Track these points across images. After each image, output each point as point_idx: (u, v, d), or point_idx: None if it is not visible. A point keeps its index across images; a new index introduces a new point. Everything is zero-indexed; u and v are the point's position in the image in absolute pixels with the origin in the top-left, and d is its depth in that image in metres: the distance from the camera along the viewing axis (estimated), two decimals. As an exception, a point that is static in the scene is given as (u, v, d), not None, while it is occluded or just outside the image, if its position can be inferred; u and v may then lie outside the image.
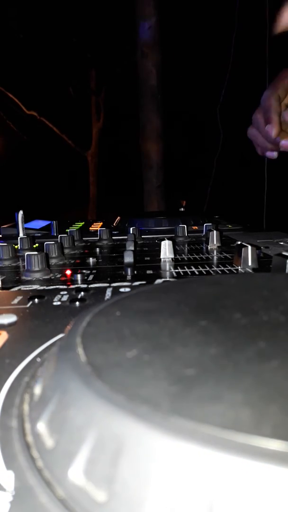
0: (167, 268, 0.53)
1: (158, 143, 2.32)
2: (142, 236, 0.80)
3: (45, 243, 0.60)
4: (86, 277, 0.48)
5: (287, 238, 0.75)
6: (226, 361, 0.17)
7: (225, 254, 0.60)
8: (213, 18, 2.66)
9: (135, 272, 0.50)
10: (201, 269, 0.51)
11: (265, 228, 0.96)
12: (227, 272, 0.49)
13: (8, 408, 0.19)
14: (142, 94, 2.29)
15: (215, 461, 0.11)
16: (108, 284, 0.43)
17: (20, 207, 0.82)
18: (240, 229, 0.92)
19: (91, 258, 0.59)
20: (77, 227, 0.94)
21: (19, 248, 0.68)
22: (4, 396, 0.20)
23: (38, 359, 0.24)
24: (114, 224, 1.07)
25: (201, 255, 0.61)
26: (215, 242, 0.67)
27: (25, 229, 0.81)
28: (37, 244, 0.77)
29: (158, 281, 0.45)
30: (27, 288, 0.43)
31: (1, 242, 0.63)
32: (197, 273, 0.49)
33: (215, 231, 0.68)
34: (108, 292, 0.40)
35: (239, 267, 0.50)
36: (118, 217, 1.11)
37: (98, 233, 0.77)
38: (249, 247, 0.50)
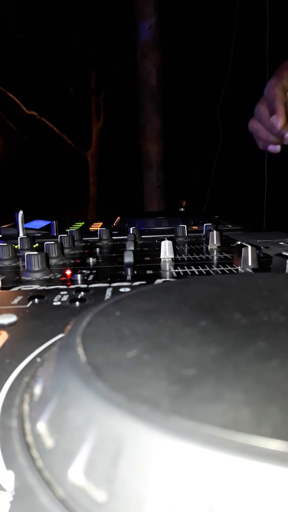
0: (167, 268, 0.53)
1: (158, 143, 2.32)
2: (142, 236, 0.80)
3: (45, 243, 0.60)
4: (86, 277, 0.48)
5: (287, 238, 0.75)
6: (226, 361, 0.17)
7: (225, 254, 0.60)
8: (213, 18, 2.66)
9: (135, 272, 0.50)
10: (201, 269, 0.51)
11: (265, 228, 0.96)
12: (227, 272, 0.49)
13: (8, 408, 0.19)
14: (142, 94, 2.29)
15: (215, 461, 0.11)
16: (108, 284, 0.43)
17: (20, 207, 0.82)
18: (240, 229, 0.92)
19: (91, 258, 0.59)
20: (77, 227, 0.94)
21: (19, 248, 0.68)
22: (4, 396, 0.20)
23: (38, 359, 0.24)
24: (114, 224, 1.07)
25: (201, 255, 0.61)
26: (215, 242, 0.67)
27: (25, 229, 0.81)
28: (37, 244, 0.77)
29: (158, 281, 0.45)
30: (27, 288, 0.43)
31: (1, 242, 0.63)
32: (197, 273, 0.49)
33: (215, 231, 0.68)
34: (108, 292, 0.40)
35: (239, 267, 0.50)
36: (118, 217, 1.11)
37: (98, 233, 0.77)
38: (249, 247, 0.50)
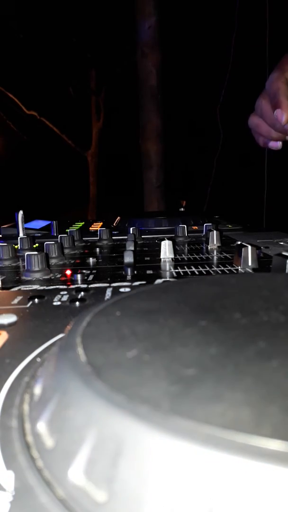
0: (167, 268, 0.53)
1: (158, 143, 2.32)
2: (142, 236, 0.80)
3: (45, 243, 0.60)
4: (86, 277, 0.48)
5: (287, 238, 0.75)
6: (226, 361, 0.17)
7: (225, 254, 0.60)
8: (213, 18, 2.66)
9: (135, 272, 0.50)
10: (201, 269, 0.51)
11: (265, 228, 0.96)
12: (227, 272, 0.49)
13: (8, 408, 0.19)
14: (142, 94, 2.29)
15: (215, 461, 0.11)
16: (108, 284, 0.43)
17: (20, 207, 0.82)
18: (240, 229, 0.92)
19: (91, 258, 0.59)
20: (77, 227, 0.94)
21: (19, 248, 0.68)
22: (4, 396, 0.20)
23: (38, 359, 0.24)
24: (114, 224, 1.07)
25: (201, 255, 0.61)
26: (215, 242, 0.67)
27: (25, 229, 0.81)
28: (37, 244, 0.77)
29: (158, 281, 0.45)
30: (27, 288, 0.43)
31: (1, 242, 0.63)
32: (197, 273, 0.49)
33: (215, 231, 0.68)
34: (108, 292, 0.40)
35: (239, 267, 0.50)
36: (118, 217, 1.11)
37: (98, 233, 0.77)
38: (249, 247, 0.50)
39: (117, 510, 0.12)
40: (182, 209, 1.31)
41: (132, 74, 2.37)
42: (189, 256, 0.61)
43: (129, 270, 0.50)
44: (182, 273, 0.49)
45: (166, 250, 0.58)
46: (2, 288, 0.43)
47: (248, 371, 0.16)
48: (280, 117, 0.62)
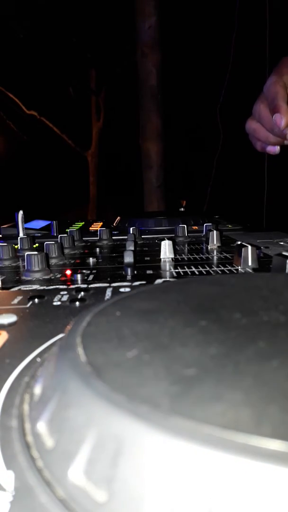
0: (167, 268, 0.53)
1: (158, 143, 2.32)
2: (142, 236, 0.80)
3: (45, 243, 0.60)
4: (86, 277, 0.48)
5: (287, 238, 0.75)
6: (226, 361, 0.17)
7: (225, 254, 0.60)
8: (213, 18, 2.66)
9: (135, 272, 0.50)
10: (201, 269, 0.51)
11: (265, 228, 0.96)
12: (227, 272, 0.49)
13: (8, 408, 0.19)
14: (142, 94, 2.29)
15: (215, 461, 0.11)
16: (108, 284, 0.43)
17: (20, 207, 0.82)
18: (240, 229, 0.92)
19: (91, 258, 0.59)
20: (77, 227, 0.94)
21: (19, 248, 0.68)
22: (4, 396, 0.20)
23: (38, 359, 0.24)
24: (114, 224, 1.07)
25: (201, 255, 0.61)
26: (215, 242, 0.67)
27: (25, 229, 0.81)
28: (37, 244, 0.77)
29: (158, 281, 0.45)
30: (27, 288, 0.43)
31: (1, 242, 0.63)
32: (197, 273, 0.49)
33: (215, 231, 0.68)
34: (108, 292, 0.40)
35: (239, 267, 0.50)
36: (118, 217, 1.11)
37: (98, 233, 0.77)
38: (249, 247, 0.50)
39: (117, 510, 0.12)
40: (182, 209, 1.31)
41: (132, 74, 2.36)
42: (189, 256, 0.61)
43: (129, 270, 0.50)
44: (182, 273, 0.49)
45: (166, 250, 0.58)
46: (2, 288, 0.43)
47: (248, 371, 0.16)
48: (279, 122, 0.61)
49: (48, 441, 0.15)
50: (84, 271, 0.51)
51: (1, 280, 0.47)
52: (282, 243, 0.69)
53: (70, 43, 3.81)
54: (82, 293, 0.40)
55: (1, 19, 3.22)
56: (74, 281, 0.46)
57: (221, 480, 0.11)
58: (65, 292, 0.40)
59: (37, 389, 0.19)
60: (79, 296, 0.38)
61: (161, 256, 0.58)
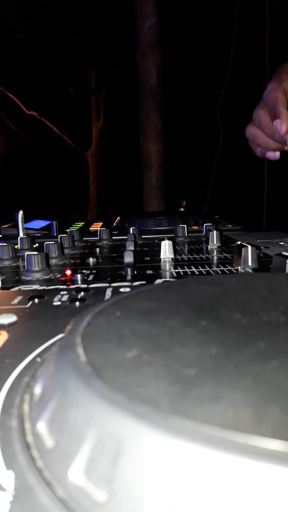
0: (167, 268, 0.53)
1: (158, 143, 2.32)
2: (142, 236, 0.80)
3: (45, 243, 0.60)
4: (86, 277, 0.48)
5: (287, 238, 0.75)
6: (226, 361, 0.17)
7: (225, 254, 0.60)
8: (213, 18, 2.66)
9: (135, 272, 0.50)
10: (201, 269, 0.51)
11: (265, 228, 0.96)
12: (227, 272, 0.49)
13: (8, 408, 0.19)
14: (142, 94, 2.29)
15: (215, 461, 0.11)
16: (108, 284, 0.43)
17: (20, 207, 0.82)
18: (240, 229, 0.92)
19: (91, 258, 0.59)
20: (77, 227, 0.94)
21: (19, 248, 0.68)
22: (4, 396, 0.20)
23: (38, 359, 0.24)
24: (114, 224, 1.07)
25: (201, 255, 0.61)
26: (215, 242, 0.67)
27: (25, 229, 0.81)
28: (37, 244, 0.77)
29: (158, 281, 0.45)
30: (27, 288, 0.43)
31: (1, 242, 0.63)
32: (197, 273, 0.49)
33: (215, 231, 0.68)
34: (108, 292, 0.40)
35: (239, 267, 0.50)
36: (118, 217, 1.11)
37: (98, 233, 0.77)
38: (249, 247, 0.50)
39: (117, 510, 0.12)
40: (182, 209, 1.31)
41: (132, 74, 2.36)
42: (189, 256, 0.61)
43: (129, 270, 0.50)
44: (182, 273, 0.49)
45: (166, 250, 0.58)
46: (2, 288, 0.43)
47: (248, 371, 0.16)
48: (279, 128, 0.61)
49: (48, 441, 0.15)
50: (84, 271, 0.51)
51: (1, 280, 0.47)
52: (282, 243, 0.69)
53: (70, 43, 3.81)
54: (82, 293, 0.40)
55: (1, 19, 3.22)
56: (74, 281, 0.46)
57: (221, 480, 0.11)
58: (65, 292, 0.40)
59: (37, 389, 0.19)
60: (79, 296, 0.38)
61: (161, 256, 0.58)
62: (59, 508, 0.13)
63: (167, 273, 0.49)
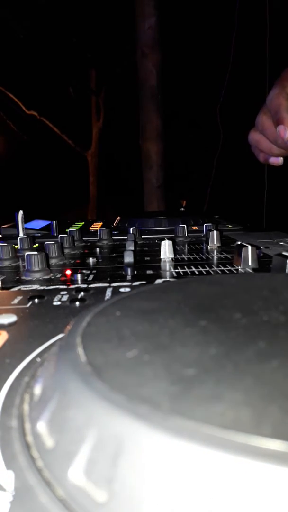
0: (167, 268, 0.53)
1: (158, 143, 2.32)
2: (142, 236, 0.80)
3: (45, 243, 0.60)
4: (86, 277, 0.48)
5: (287, 238, 0.75)
6: (226, 361, 0.17)
7: (225, 254, 0.60)
8: (213, 18, 2.66)
9: (135, 272, 0.50)
10: (201, 269, 0.51)
11: (265, 228, 0.96)
12: (227, 272, 0.49)
13: (8, 408, 0.19)
14: (142, 94, 2.29)
15: (215, 461, 0.11)
16: (108, 284, 0.43)
17: (20, 207, 0.82)
18: (240, 229, 0.92)
19: (91, 258, 0.59)
20: (77, 227, 0.94)
21: (19, 248, 0.68)
22: (4, 396, 0.20)
23: (38, 359, 0.24)
24: (114, 224, 1.07)
25: (201, 255, 0.61)
26: (215, 242, 0.67)
27: (25, 229, 0.81)
28: (37, 244, 0.77)
29: (158, 281, 0.45)
30: (27, 288, 0.43)
31: (1, 242, 0.63)
32: (197, 273, 0.49)
33: (215, 231, 0.68)
34: (108, 292, 0.40)
35: (239, 267, 0.50)
36: (118, 217, 1.11)
37: (98, 233, 0.77)
38: (249, 247, 0.50)
39: (117, 510, 0.12)
40: (182, 209, 1.31)
41: (132, 74, 2.36)
42: (189, 256, 0.61)
43: (129, 270, 0.50)
44: (182, 273, 0.49)
45: (166, 250, 0.58)
46: (2, 288, 0.43)
47: (248, 371, 0.16)
48: (282, 133, 0.62)
49: (48, 441, 0.15)
50: (84, 271, 0.51)
51: (1, 280, 0.47)
52: (282, 243, 0.69)
53: (70, 43, 3.81)
54: (82, 293, 0.40)
55: (1, 19, 3.22)
56: (74, 281, 0.46)
57: (221, 480, 0.11)
58: (65, 292, 0.40)
59: (37, 389, 0.19)
60: (79, 296, 0.38)
61: (161, 256, 0.58)
62: (59, 508, 0.13)
63: (167, 273, 0.49)
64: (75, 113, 4.34)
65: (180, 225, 0.79)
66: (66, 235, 0.70)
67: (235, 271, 0.49)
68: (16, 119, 4.18)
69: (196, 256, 0.60)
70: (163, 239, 0.60)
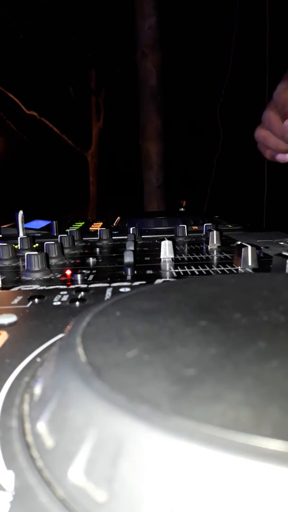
0: (167, 268, 0.53)
1: (158, 143, 2.32)
2: (142, 236, 0.80)
3: (45, 243, 0.60)
4: (86, 277, 0.48)
5: (287, 238, 0.75)
6: (226, 361, 0.17)
7: (225, 254, 0.60)
8: (213, 18, 2.66)
9: (135, 272, 0.50)
10: (201, 269, 0.51)
11: (265, 228, 0.96)
12: (227, 272, 0.49)
13: (8, 408, 0.19)
14: (142, 94, 2.29)
15: (215, 461, 0.11)
16: (108, 284, 0.43)
17: (20, 207, 0.82)
18: (240, 229, 0.92)
19: (91, 258, 0.59)
20: (77, 227, 0.94)
21: (19, 248, 0.68)
22: (4, 396, 0.20)
23: (38, 359, 0.24)
24: (114, 224, 1.07)
25: (201, 255, 0.61)
26: (215, 242, 0.67)
27: (25, 229, 0.81)
28: (37, 244, 0.77)
29: (158, 281, 0.45)
30: (27, 288, 0.43)
31: (1, 242, 0.63)
32: (197, 273, 0.49)
33: (215, 231, 0.68)
34: (108, 292, 0.40)
35: (239, 267, 0.50)
36: (118, 217, 1.11)
37: (98, 233, 0.77)
38: (249, 247, 0.50)
39: (117, 510, 0.12)
40: (182, 209, 1.31)
41: (132, 74, 2.36)
42: (189, 256, 0.61)
43: (129, 270, 0.50)
44: (182, 273, 0.49)
45: (166, 250, 0.58)
46: (2, 288, 0.43)
47: (248, 371, 0.16)
48: None
49: (48, 441, 0.15)
50: (84, 271, 0.51)
51: (1, 280, 0.47)
52: (282, 243, 0.69)
53: (70, 43, 3.81)
54: (82, 293, 0.40)
55: (1, 19, 3.22)
56: (74, 281, 0.46)
57: (221, 480, 0.11)
58: (65, 292, 0.40)
59: (37, 389, 0.19)
60: (79, 296, 0.38)
61: (161, 256, 0.58)
62: (59, 508, 0.13)
63: (167, 273, 0.49)
64: (75, 113, 4.34)
65: (180, 225, 0.79)
66: (66, 235, 0.70)
67: (235, 271, 0.49)
68: (16, 119, 4.18)
69: (196, 256, 0.60)
70: (163, 239, 0.60)
